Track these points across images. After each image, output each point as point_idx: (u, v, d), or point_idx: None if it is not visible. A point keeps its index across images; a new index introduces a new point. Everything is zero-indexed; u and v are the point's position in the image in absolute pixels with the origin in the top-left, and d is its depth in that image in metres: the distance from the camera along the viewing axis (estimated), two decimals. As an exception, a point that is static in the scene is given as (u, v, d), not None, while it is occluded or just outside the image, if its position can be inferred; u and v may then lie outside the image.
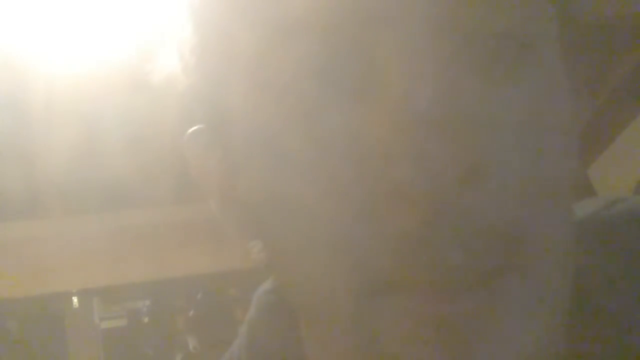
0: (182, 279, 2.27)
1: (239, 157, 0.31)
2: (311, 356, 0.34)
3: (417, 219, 0.26)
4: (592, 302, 0.34)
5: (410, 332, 0.28)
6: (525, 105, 0.28)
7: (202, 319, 2.39)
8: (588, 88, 0.31)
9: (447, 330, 0.27)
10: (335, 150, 0.28)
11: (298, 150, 0.28)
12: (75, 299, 2.26)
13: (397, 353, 0.28)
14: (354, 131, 0.27)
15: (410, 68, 0.27)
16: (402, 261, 0.27)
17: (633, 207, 0.38)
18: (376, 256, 0.28)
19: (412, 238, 0.27)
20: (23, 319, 2.36)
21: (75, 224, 2.24)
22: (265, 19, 0.28)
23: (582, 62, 0.33)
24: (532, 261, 0.28)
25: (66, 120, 1.76)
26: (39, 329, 2.33)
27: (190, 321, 2.41)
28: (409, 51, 0.27)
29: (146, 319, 2.47)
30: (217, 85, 0.31)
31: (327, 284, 0.29)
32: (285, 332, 0.37)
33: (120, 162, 1.78)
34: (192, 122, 0.35)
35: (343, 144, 0.27)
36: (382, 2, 0.27)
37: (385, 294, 0.28)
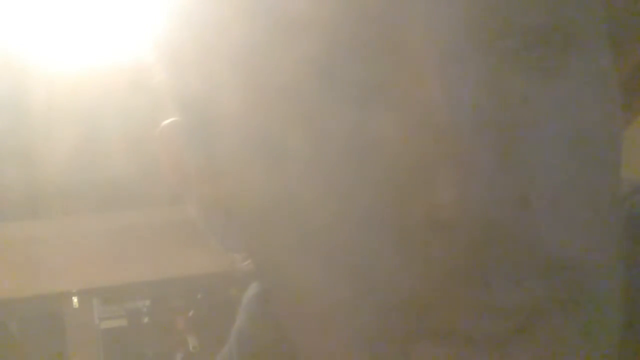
0: (182, 279, 2.27)
1: (226, 158, 0.28)
2: None
3: (462, 252, 0.21)
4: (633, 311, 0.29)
5: None
6: (575, 108, 0.24)
7: (202, 319, 2.39)
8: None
9: None
10: (352, 159, 0.23)
11: (306, 156, 0.24)
12: (75, 299, 2.26)
13: None
14: (373, 139, 0.23)
15: (443, 66, 0.22)
16: (438, 301, 0.22)
17: None
18: (406, 293, 0.23)
19: (455, 274, 0.22)
20: (23, 319, 2.35)
21: (75, 224, 2.24)
22: (265, 16, 0.25)
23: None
24: (586, 292, 0.24)
25: (66, 120, 1.76)
26: (38, 329, 2.33)
27: (190, 321, 2.41)
28: (440, 48, 0.22)
29: (146, 319, 2.47)
30: (203, 80, 0.28)
31: (338, 320, 0.24)
32: (279, 344, 0.33)
33: (120, 162, 1.78)
34: (167, 116, 0.32)
35: (360, 153, 0.23)
36: None
37: (414, 341, 0.23)
